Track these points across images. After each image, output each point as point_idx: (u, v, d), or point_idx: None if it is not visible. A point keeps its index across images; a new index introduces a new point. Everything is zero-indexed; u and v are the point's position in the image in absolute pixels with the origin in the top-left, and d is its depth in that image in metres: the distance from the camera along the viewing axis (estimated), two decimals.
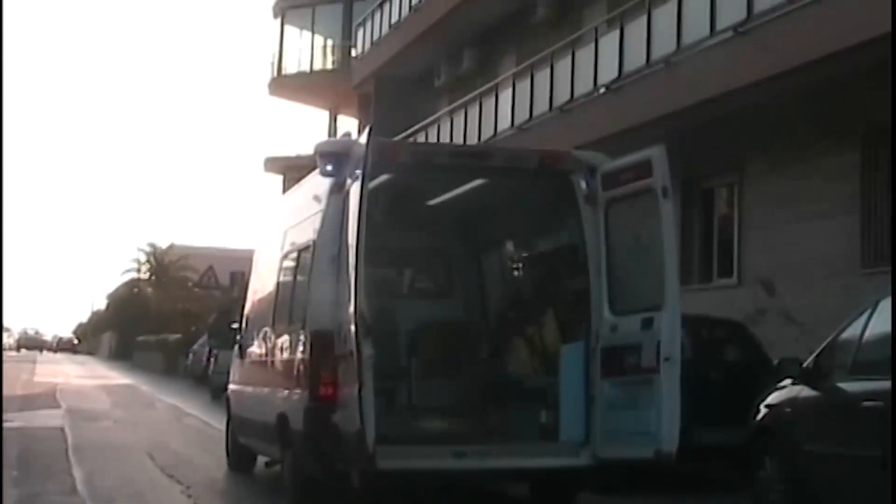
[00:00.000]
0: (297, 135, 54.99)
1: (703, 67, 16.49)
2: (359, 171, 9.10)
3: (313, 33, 48.09)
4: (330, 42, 47.93)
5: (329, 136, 48.77)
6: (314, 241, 10.13)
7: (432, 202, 11.50)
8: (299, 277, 10.70)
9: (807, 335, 15.37)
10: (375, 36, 33.51)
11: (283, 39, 48.92)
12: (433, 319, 12.19)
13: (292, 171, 48.60)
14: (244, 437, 13.02)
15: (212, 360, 31.79)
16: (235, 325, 14.08)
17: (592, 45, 19.71)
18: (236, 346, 13.81)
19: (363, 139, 9.18)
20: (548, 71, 21.38)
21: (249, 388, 12.60)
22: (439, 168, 10.25)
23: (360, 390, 8.64)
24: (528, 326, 10.99)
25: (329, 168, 9.89)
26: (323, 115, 49.79)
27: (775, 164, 17.10)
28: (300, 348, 10.22)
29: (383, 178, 9.34)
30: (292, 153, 48.41)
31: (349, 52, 45.21)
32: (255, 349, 12.35)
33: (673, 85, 17.20)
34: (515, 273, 12.09)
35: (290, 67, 48.05)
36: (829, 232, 15.97)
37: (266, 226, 13.43)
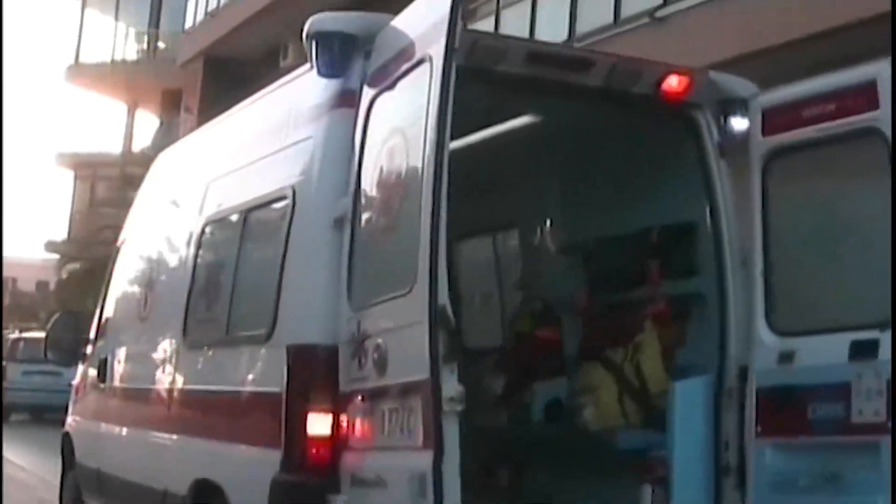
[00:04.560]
0: (93, 128, 50.15)
1: None
2: (406, 66, 5.17)
3: (117, 19, 43.86)
4: (133, 30, 43.80)
5: (127, 132, 44.98)
6: (292, 192, 5.91)
7: (470, 140, 7.21)
8: (251, 256, 6.45)
9: None
10: (211, 6, 28.95)
11: (83, 23, 44.81)
12: None
13: (85, 167, 45.13)
14: (104, 502, 8.60)
15: None
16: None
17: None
18: (87, 363, 9.44)
19: None
20: None
21: (123, 430, 8.18)
22: (505, 81, 6.12)
23: (436, 460, 4.56)
24: (609, 349, 6.94)
25: (332, 62, 5.71)
26: (122, 109, 45.75)
27: None
28: (258, 374, 6.01)
29: (404, 87, 5.27)
30: (88, 148, 45.36)
31: (154, 43, 41.71)
32: (140, 370, 7.97)
33: None
34: (582, 263, 7.87)
35: (89, 55, 43.73)
36: None
37: (152, 183, 9.05)
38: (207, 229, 7.09)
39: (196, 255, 7.15)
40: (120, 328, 8.72)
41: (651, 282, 7.00)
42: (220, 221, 6.97)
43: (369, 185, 5.40)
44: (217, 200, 7.04)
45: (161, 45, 41.71)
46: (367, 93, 5.58)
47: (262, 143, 6.53)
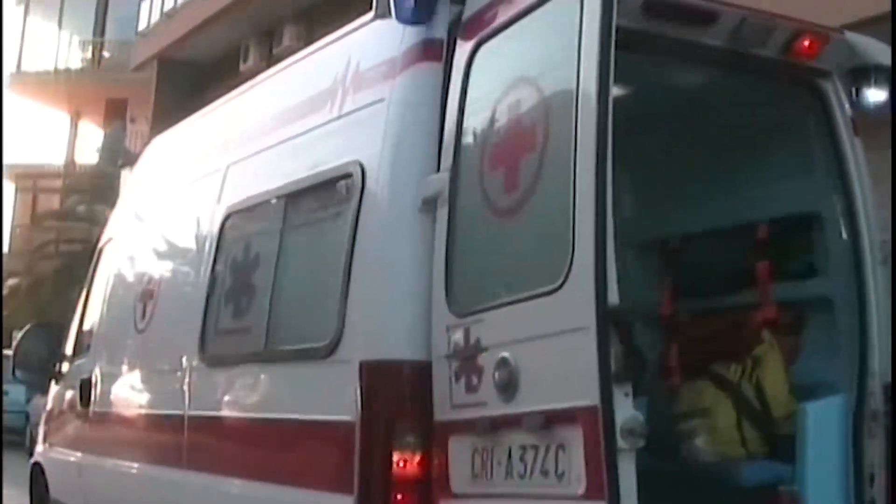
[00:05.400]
0: (35, 138, 48.40)
1: None
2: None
3: (60, 27, 42.64)
4: (77, 39, 42.56)
5: (70, 142, 43.62)
6: (359, 169, 4.72)
7: None
8: (298, 251, 5.25)
9: None
10: (168, 6, 27.53)
11: (24, 31, 43.35)
12: None
13: (26, 179, 43.60)
14: None
15: None
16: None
17: None
18: (63, 384, 8.22)
19: None
20: None
21: (118, 464, 6.92)
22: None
23: None
24: (718, 364, 5.80)
25: (415, 4, 4.54)
26: (65, 120, 44.26)
27: None
28: (316, 397, 4.82)
29: (530, 25, 4.14)
30: (29, 159, 42.55)
31: (99, 52, 40.57)
32: (138, 392, 6.73)
33: None
34: (663, 262, 6.65)
35: (32, 63, 42.30)
36: None
37: (145, 171, 7.82)
38: (230, 221, 5.84)
39: (215, 253, 5.88)
40: (107, 342, 7.46)
41: (759, 284, 5.88)
42: (248, 211, 5.73)
43: (475, 154, 4.24)
44: (242, 186, 5.82)
45: (106, 54, 40.62)
46: (464, 43, 4.42)
47: (306, 114, 5.33)
